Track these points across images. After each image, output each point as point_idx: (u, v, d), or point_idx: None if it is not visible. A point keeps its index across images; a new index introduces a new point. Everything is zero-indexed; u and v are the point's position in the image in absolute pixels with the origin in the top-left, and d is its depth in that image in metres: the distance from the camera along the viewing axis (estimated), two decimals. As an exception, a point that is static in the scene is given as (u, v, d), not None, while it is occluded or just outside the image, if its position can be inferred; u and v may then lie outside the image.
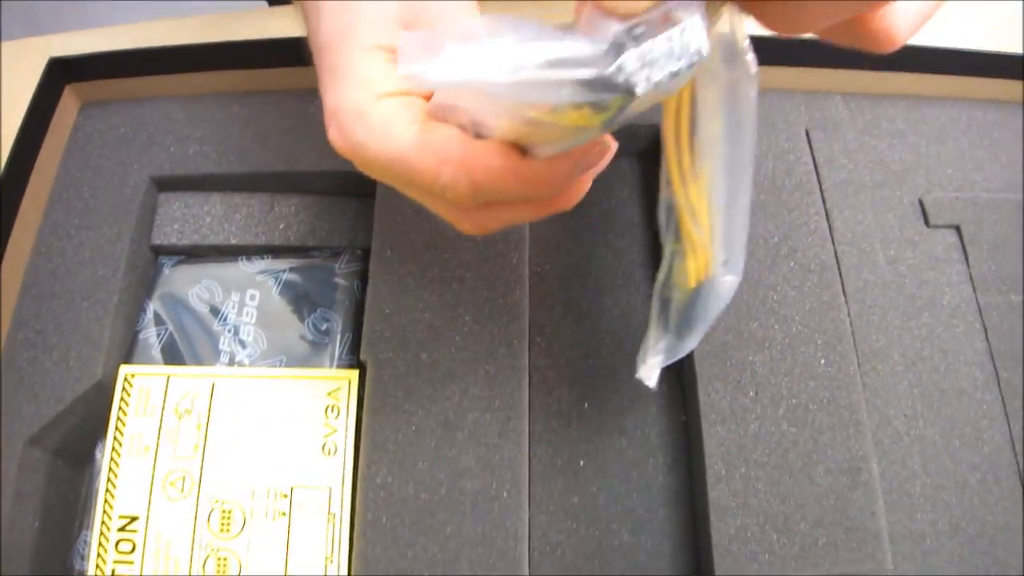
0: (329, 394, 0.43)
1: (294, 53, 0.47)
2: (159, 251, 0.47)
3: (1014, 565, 0.40)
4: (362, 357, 0.42)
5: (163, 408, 0.43)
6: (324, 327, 0.44)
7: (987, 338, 0.45)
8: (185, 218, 0.47)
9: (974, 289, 0.46)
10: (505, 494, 0.39)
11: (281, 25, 0.56)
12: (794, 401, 0.41)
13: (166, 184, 0.47)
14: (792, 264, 0.44)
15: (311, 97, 0.48)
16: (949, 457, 0.42)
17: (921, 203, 0.47)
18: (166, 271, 0.46)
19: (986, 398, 0.44)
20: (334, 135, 0.29)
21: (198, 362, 0.44)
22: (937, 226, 0.47)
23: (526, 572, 0.38)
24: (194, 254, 0.47)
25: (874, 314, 0.44)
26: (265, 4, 0.63)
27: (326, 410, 0.42)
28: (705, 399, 0.41)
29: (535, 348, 0.44)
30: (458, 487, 0.39)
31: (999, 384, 0.44)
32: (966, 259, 0.46)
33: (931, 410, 0.43)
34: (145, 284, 0.46)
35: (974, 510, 0.41)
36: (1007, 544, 0.41)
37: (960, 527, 0.41)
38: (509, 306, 0.42)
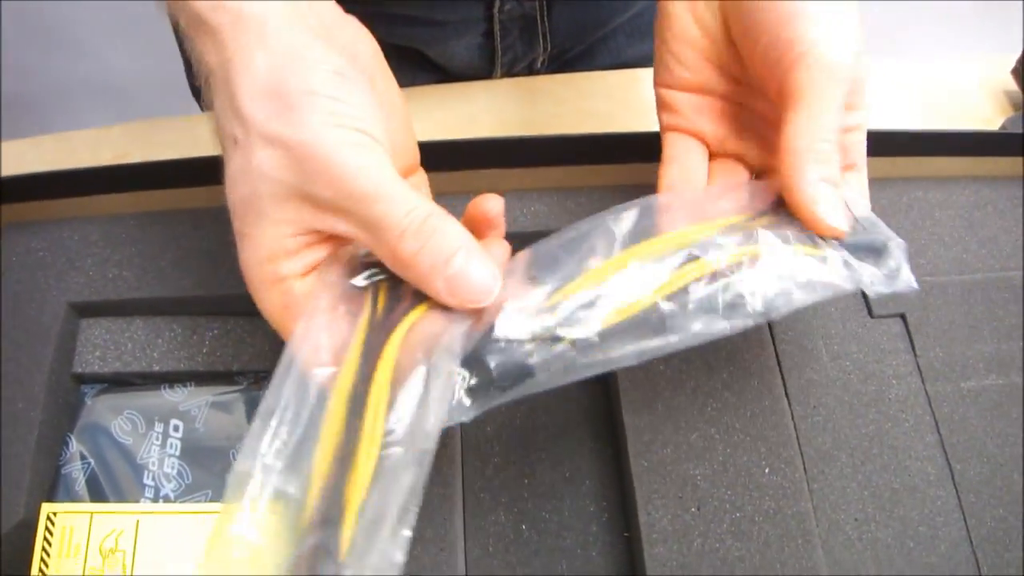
0: (257, 530, 0.41)
1: (215, 171, 0.46)
2: (82, 379, 0.46)
3: (976, 677, 0.39)
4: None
5: (87, 548, 0.41)
6: (250, 458, 0.43)
7: (938, 430, 0.43)
8: (107, 345, 0.46)
9: (922, 379, 0.44)
10: (439, 634, 0.38)
11: (209, 133, 0.55)
12: (739, 514, 0.40)
13: (86, 310, 0.46)
14: (731, 368, 0.43)
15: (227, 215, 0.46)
16: (904, 559, 0.41)
17: (863, 293, 0.46)
18: (88, 401, 0.45)
19: (940, 494, 0.42)
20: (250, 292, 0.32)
21: (122, 498, 0.43)
22: (881, 316, 0.45)
23: None
24: (117, 381, 0.46)
25: (819, 414, 0.43)
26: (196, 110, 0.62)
27: (254, 547, 0.41)
28: (645, 518, 0.39)
29: (469, 471, 0.42)
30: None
31: (953, 478, 0.42)
32: (912, 348, 0.45)
33: (883, 511, 0.41)
34: (68, 414, 0.45)
35: (933, 617, 0.40)
36: (968, 652, 0.39)
37: (919, 637, 0.39)
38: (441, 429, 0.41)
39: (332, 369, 0.30)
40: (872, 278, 0.33)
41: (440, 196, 0.38)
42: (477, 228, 0.34)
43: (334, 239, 0.32)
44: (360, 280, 0.32)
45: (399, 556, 0.25)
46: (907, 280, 0.33)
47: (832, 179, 0.33)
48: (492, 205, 0.34)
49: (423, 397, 0.28)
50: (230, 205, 0.32)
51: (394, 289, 0.32)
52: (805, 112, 0.32)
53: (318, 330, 0.30)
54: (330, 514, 0.26)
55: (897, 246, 0.33)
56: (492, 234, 0.35)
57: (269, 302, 0.32)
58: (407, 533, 0.26)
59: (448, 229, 0.30)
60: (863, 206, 0.35)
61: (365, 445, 0.27)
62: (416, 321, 0.30)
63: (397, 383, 0.28)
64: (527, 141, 0.45)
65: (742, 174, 0.39)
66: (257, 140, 0.30)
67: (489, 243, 0.35)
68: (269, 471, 0.27)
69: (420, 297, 0.31)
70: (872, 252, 0.33)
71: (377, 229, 0.29)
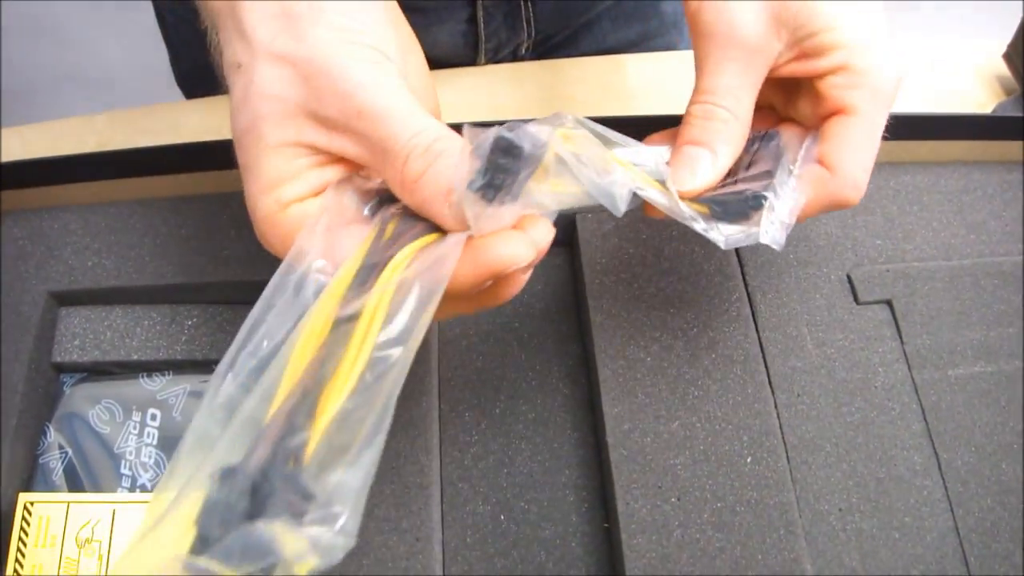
0: (233, 519, 0.40)
1: (194, 158, 0.45)
2: (61, 368, 0.46)
3: (961, 669, 0.38)
4: (264, 480, 0.40)
5: (63, 537, 0.41)
6: (227, 447, 0.42)
7: (925, 419, 0.43)
8: (86, 333, 0.45)
9: (909, 367, 0.44)
10: (415, 623, 0.37)
11: (193, 121, 0.54)
12: (720, 504, 0.39)
13: (65, 298, 0.46)
14: (713, 356, 0.42)
15: (210, 203, 0.46)
16: (889, 550, 0.40)
17: (849, 279, 0.45)
18: (67, 390, 0.45)
19: (926, 484, 0.41)
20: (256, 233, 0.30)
21: (99, 487, 0.42)
22: (867, 302, 0.45)
23: None
24: (96, 371, 0.45)
25: (803, 403, 0.42)
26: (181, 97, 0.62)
27: (231, 537, 0.40)
28: (623, 508, 0.39)
29: (447, 460, 0.42)
30: (365, 619, 0.37)
31: (940, 467, 0.42)
32: (899, 335, 0.44)
33: (868, 502, 0.41)
34: (47, 404, 0.45)
35: (918, 608, 0.39)
36: (954, 644, 0.38)
37: (904, 628, 0.39)
38: (416, 419, 0.40)
39: (327, 278, 0.28)
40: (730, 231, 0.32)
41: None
42: None
43: (341, 162, 0.30)
44: (368, 209, 0.30)
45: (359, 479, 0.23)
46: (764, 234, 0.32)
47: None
48: None
49: (414, 315, 0.26)
50: (234, 140, 0.30)
51: (405, 221, 0.29)
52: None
53: (317, 240, 0.28)
54: (297, 420, 0.24)
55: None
56: None
57: (272, 235, 0.30)
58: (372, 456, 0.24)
59: (457, 151, 0.27)
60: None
61: (352, 352, 0.25)
62: (424, 247, 0.28)
63: (396, 300, 0.26)
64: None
65: None
66: (262, 60, 0.28)
67: None
68: (239, 372, 0.26)
69: (431, 228, 0.29)
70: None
71: (383, 151, 0.28)
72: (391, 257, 0.27)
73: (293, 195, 0.29)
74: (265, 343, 0.27)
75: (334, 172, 0.30)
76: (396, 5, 0.33)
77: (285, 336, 0.26)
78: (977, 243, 0.47)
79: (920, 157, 0.49)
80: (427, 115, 0.28)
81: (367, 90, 0.27)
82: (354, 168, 0.30)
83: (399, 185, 0.28)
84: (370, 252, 0.28)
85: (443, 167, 0.27)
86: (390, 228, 0.29)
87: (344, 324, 0.26)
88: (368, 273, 0.27)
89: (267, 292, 0.28)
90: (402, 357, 0.25)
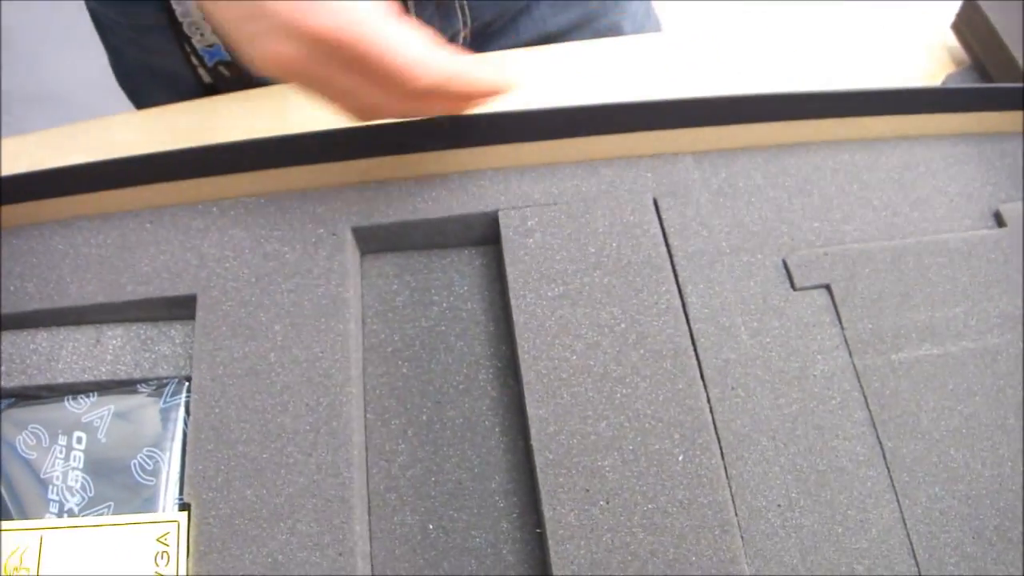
0: (158, 539, 0.40)
1: (116, 174, 0.45)
2: (-12, 395, 0.45)
3: (906, 667, 0.37)
4: (185, 498, 0.39)
5: (-6, 567, 0.40)
6: (151, 468, 0.42)
7: (867, 406, 0.41)
8: (12, 359, 0.45)
9: (850, 353, 0.42)
10: (338, 641, 0.36)
11: (122, 135, 0.54)
12: (651, 506, 0.38)
13: (-10, 324, 0.45)
14: (642, 351, 0.41)
15: (130, 220, 0.45)
16: (831, 545, 0.39)
17: (785, 264, 0.44)
18: (-6, 417, 0.44)
19: (870, 474, 0.40)
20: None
21: (26, 515, 0.42)
22: (804, 288, 0.43)
23: None
24: (24, 395, 0.45)
25: (737, 396, 0.41)
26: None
27: (155, 557, 0.40)
28: (551, 514, 0.38)
29: (374, 470, 0.41)
30: (288, 638, 0.36)
31: (884, 457, 0.40)
32: (839, 320, 0.43)
33: (808, 496, 0.39)
34: (-24, 432, 0.44)
35: (863, 604, 0.38)
36: (899, 640, 0.37)
37: (848, 625, 0.37)
38: (337, 431, 0.39)
39: None
40: None
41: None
42: None
43: None
44: None
45: None
46: None
47: None
48: None
49: None
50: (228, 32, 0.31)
51: None
52: None
53: None
54: None
55: None
56: None
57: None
58: None
59: None
60: None
61: None
62: None
63: None
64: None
65: None
66: None
67: None
68: None
69: None
70: None
71: None
72: None
73: None
74: None
75: None
76: None
77: None
78: (920, 220, 0.45)
79: (859, 134, 0.47)
80: None
81: None
82: None
83: None
84: None
85: None
86: None
87: None
88: None
89: None
90: None
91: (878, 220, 0.45)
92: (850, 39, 0.55)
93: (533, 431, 0.39)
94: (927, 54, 0.54)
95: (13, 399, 0.45)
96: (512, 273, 0.42)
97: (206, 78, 0.57)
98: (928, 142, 0.47)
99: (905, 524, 0.39)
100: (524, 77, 0.33)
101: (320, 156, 0.43)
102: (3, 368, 0.45)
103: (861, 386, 0.41)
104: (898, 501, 0.40)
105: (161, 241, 0.44)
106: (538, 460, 0.39)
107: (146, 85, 0.64)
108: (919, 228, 0.45)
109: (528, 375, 0.40)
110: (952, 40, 0.54)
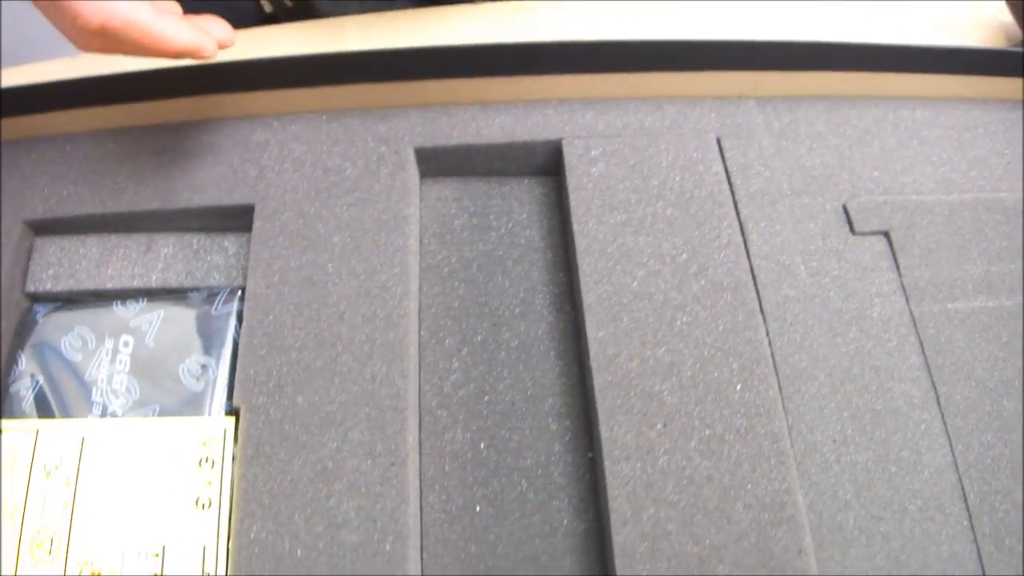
0: (203, 444, 0.39)
1: (173, 83, 0.44)
2: (35, 298, 0.45)
3: (960, 604, 0.36)
4: (235, 403, 0.39)
5: (31, 464, 0.40)
6: (200, 373, 0.41)
7: (923, 352, 0.41)
8: (60, 263, 0.44)
9: (907, 299, 0.42)
10: (388, 547, 0.36)
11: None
12: (708, 432, 0.38)
13: (41, 228, 0.45)
14: (703, 282, 0.40)
15: (184, 130, 0.45)
16: (885, 484, 0.38)
17: (845, 209, 0.44)
18: (39, 319, 0.43)
19: (924, 417, 0.40)
20: None
21: (69, 415, 0.41)
22: (863, 233, 0.43)
23: (413, 633, 0.34)
24: (71, 300, 0.44)
25: (796, 332, 0.40)
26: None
27: (200, 461, 0.39)
28: (607, 434, 0.37)
29: (426, 387, 0.40)
30: (336, 541, 0.36)
31: (938, 401, 0.40)
32: (897, 267, 0.43)
33: (863, 434, 0.39)
34: (20, 334, 0.43)
35: (916, 541, 0.37)
36: (952, 578, 0.37)
37: (900, 561, 0.37)
38: (393, 343, 0.39)
39: None
40: None
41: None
42: None
43: None
44: None
45: None
46: None
47: None
48: None
49: None
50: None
51: None
52: None
53: None
54: None
55: None
56: None
57: None
58: None
59: None
60: None
61: None
62: None
63: None
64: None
65: None
66: None
67: None
68: None
69: None
70: None
71: None
72: None
73: None
74: None
75: None
76: None
77: None
78: (978, 179, 0.45)
79: (920, 92, 0.47)
80: None
81: None
82: None
83: None
84: None
85: None
86: None
87: None
88: None
89: None
90: None
91: (936, 175, 0.45)
92: (904, 15, 0.55)
93: (592, 352, 0.39)
94: (981, 30, 0.55)
95: (59, 303, 0.44)
96: (575, 199, 0.42)
97: (267, 7, 0.57)
98: (987, 106, 0.48)
99: (957, 468, 0.39)
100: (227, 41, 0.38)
101: (384, 74, 0.43)
102: (51, 272, 0.44)
103: (917, 331, 0.41)
104: (951, 445, 0.39)
105: (219, 152, 0.44)
106: (596, 381, 0.38)
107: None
108: (976, 186, 0.45)
109: (588, 298, 0.40)
110: (1006, 15, 0.54)
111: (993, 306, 0.42)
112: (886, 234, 0.43)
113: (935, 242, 0.43)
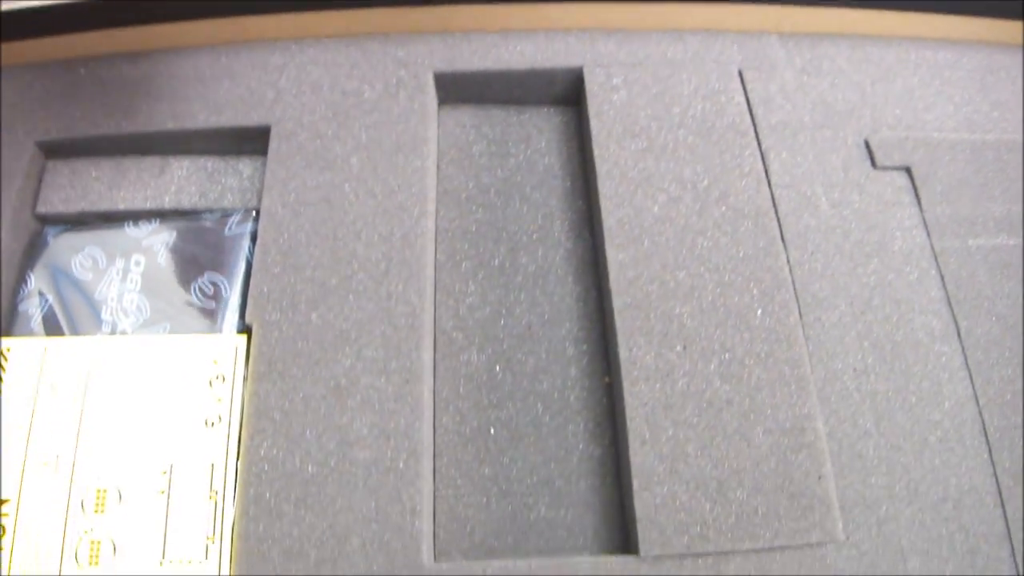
0: (215, 362, 0.39)
1: (185, 7, 0.44)
2: (45, 220, 0.44)
3: (980, 532, 0.36)
4: (247, 319, 0.38)
5: (39, 381, 0.39)
6: (212, 291, 0.41)
7: (944, 285, 0.41)
8: (72, 185, 0.44)
9: (928, 234, 0.42)
10: (401, 464, 0.35)
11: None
12: (728, 356, 0.37)
13: (54, 150, 0.44)
14: (724, 208, 0.40)
15: (200, 54, 0.44)
16: (905, 414, 0.38)
17: (867, 144, 0.43)
18: (50, 240, 0.43)
19: (944, 350, 0.39)
20: None
21: (78, 333, 0.40)
22: (885, 167, 0.43)
23: (426, 549, 0.34)
24: (81, 222, 0.44)
25: (817, 261, 0.40)
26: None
27: (211, 380, 0.38)
28: (626, 355, 0.37)
29: (442, 309, 0.40)
30: (348, 458, 0.35)
31: (959, 334, 0.40)
32: (918, 202, 0.42)
33: (883, 363, 0.39)
34: (30, 255, 0.43)
35: (935, 471, 0.37)
36: (972, 508, 0.36)
37: (919, 491, 0.36)
38: (409, 262, 0.39)
39: None
40: None
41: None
42: None
43: None
44: None
45: None
46: None
47: None
48: None
49: None
50: None
51: None
52: None
53: None
54: None
55: None
56: None
57: None
58: None
59: None
60: None
61: None
62: None
63: None
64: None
65: None
66: None
67: None
68: None
69: None
70: None
71: None
72: None
73: None
74: None
75: None
76: None
77: None
78: (1000, 120, 0.45)
79: (942, 34, 0.47)
80: None
81: None
82: None
83: None
84: None
85: None
86: None
87: None
88: None
89: None
90: None
91: (958, 115, 0.45)
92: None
93: (612, 274, 0.38)
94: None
95: (69, 225, 0.44)
96: (596, 125, 0.42)
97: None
98: (1008, 50, 0.47)
99: (977, 401, 0.39)
100: None
101: None
102: (62, 195, 0.44)
103: (938, 265, 0.41)
104: (971, 379, 0.39)
105: (236, 74, 0.44)
106: (616, 303, 0.38)
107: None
108: (998, 127, 0.45)
109: (609, 221, 0.39)
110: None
111: (1014, 244, 0.42)
112: (908, 170, 0.43)
113: (957, 179, 0.43)
